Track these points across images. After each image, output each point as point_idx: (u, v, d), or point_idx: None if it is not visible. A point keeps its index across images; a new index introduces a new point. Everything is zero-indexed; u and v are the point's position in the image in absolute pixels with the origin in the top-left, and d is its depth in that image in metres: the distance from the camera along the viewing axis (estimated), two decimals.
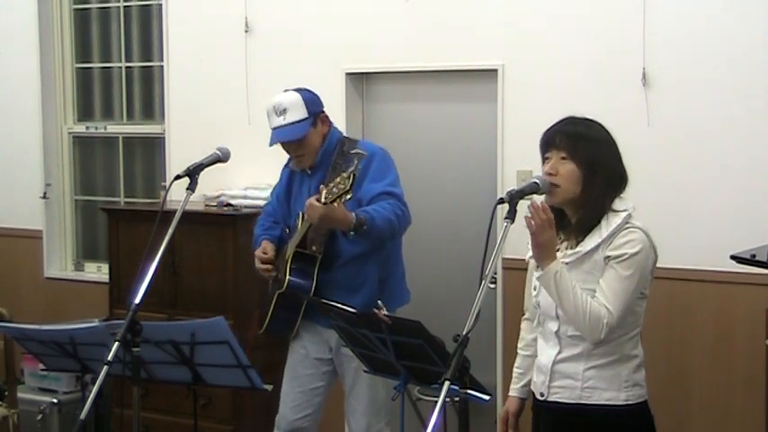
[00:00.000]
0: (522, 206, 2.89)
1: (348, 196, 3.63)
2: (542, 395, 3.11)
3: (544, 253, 2.95)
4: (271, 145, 4.04)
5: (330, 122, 4.14)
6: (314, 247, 3.96)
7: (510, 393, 3.30)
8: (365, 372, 3.60)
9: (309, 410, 4.17)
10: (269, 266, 4.09)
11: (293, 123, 3.99)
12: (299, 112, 4.00)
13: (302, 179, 4.15)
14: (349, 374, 4.12)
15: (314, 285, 3.95)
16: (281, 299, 4.03)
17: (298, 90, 4.09)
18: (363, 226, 3.76)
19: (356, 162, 3.63)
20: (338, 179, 3.62)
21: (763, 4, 4.46)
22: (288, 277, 3.96)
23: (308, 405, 4.17)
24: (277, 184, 4.35)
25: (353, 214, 3.75)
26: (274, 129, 4.02)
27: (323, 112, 4.11)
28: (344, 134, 4.26)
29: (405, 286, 4.23)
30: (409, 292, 4.24)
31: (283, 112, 3.99)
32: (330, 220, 3.76)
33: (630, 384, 3.03)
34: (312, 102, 4.07)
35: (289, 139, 4.02)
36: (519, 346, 3.32)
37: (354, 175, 3.59)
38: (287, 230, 4.17)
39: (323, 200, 3.61)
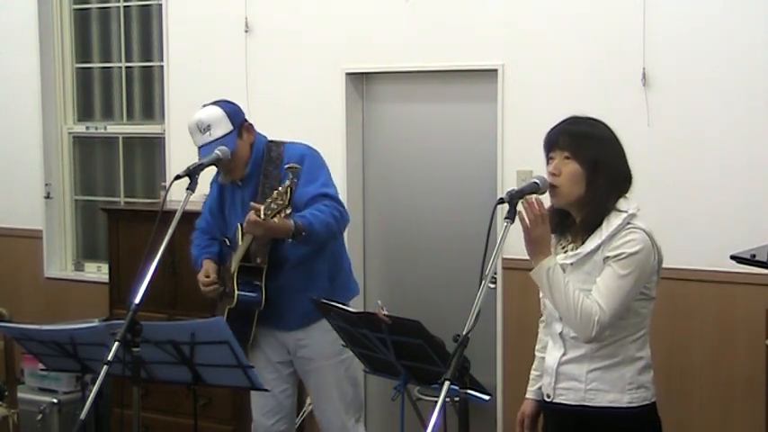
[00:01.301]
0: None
1: (288, 211, 3.60)
2: (549, 396, 3.10)
3: (537, 248, 2.95)
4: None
5: (254, 130, 4.04)
6: (258, 259, 3.93)
7: (526, 396, 3.27)
8: (365, 372, 3.60)
9: (282, 413, 4.17)
10: (213, 287, 4.07)
11: (220, 139, 3.86)
12: (223, 126, 3.89)
13: (234, 190, 4.08)
14: (311, 377, 4.13)
15: (264, 295, 3.95)
16: (233, 313, 4.01)
17: (217, 104, 3.98)
18: (302, 232, 3.75)
19: (291, 176, 3.56)
20: (275, 194, 3.57)
21: (763, 4, 4.46)
22: (237, 292, 3.94)
23: (280, 409, 4.17)
24: (207, 198, 4.30)
25: (292, 222, 3.71)
26: (201, 147, 3.89)
27: (246, 120, 4.02)
28: (270, 139, 4.08)
29: (353, 279, 4.25)
30: (357, 284, 4.27)
31: (207, 128, 3.87)
32: (272, 232, 3.76)
33: (635, 387, 3.00)
34: (234, 113, 3.96)
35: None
36: (536, 348, 3.28)
37: (291, 189, 3.55)
38: (226, 241, 4.13)
39: (262, 216, 3.56)
